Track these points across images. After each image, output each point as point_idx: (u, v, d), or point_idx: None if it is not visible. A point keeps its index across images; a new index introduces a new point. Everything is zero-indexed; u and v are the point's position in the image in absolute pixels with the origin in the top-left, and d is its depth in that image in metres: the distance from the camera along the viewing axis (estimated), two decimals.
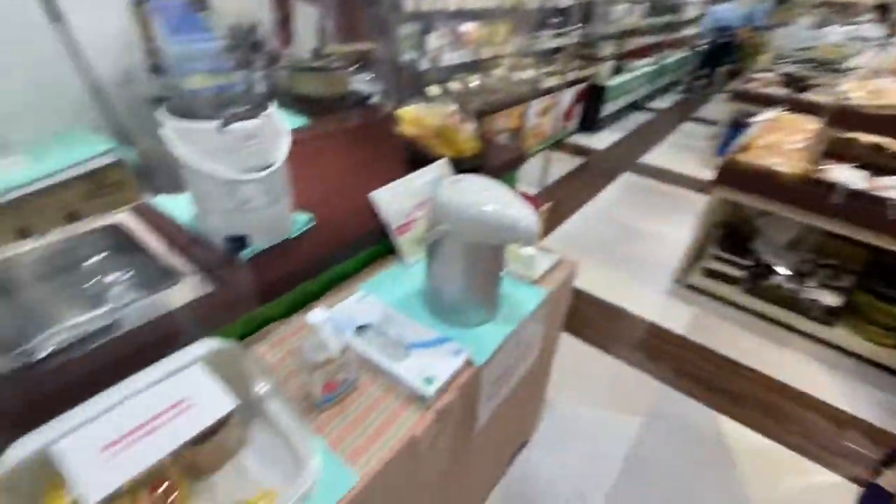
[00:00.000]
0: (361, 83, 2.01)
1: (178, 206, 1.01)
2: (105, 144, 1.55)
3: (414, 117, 1.33)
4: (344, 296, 0.97)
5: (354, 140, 1.54)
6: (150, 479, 0.52)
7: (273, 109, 0.87)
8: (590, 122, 4.49)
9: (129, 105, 1.81)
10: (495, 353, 0.88)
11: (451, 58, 2.69)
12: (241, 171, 0.82)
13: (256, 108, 0.82)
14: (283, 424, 0.64)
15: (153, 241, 0.93)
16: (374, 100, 1.94)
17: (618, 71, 4.41)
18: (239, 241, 0.90)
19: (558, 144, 4.20)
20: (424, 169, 1.13)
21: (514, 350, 0.99)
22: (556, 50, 3.77)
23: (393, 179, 1.08)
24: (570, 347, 1.97)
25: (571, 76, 3.88)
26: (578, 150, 4.16)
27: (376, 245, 1.09)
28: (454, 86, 2.69)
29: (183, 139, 0.78)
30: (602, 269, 2.50)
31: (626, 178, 3.66)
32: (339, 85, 1.77)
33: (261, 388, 0.65)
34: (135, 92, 1.83)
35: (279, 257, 0.93)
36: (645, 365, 1.91)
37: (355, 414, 0.74)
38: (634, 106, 5.24)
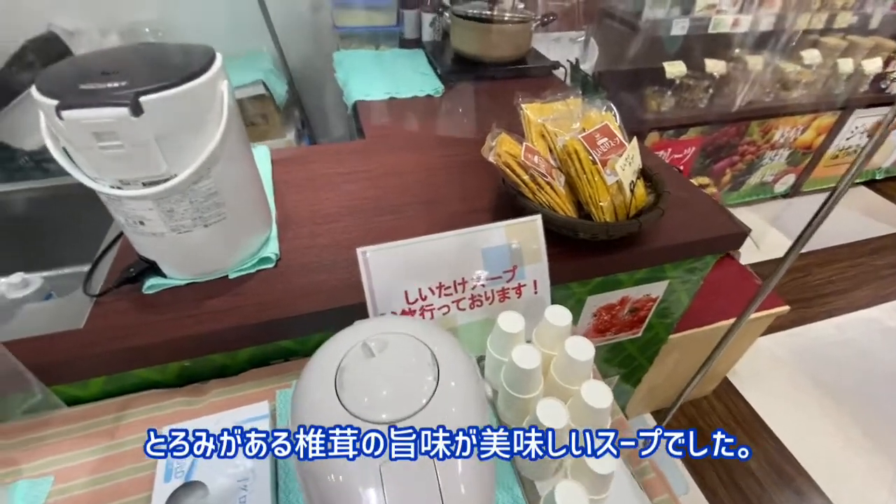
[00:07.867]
0: (553, 43, 1.45)
1: None
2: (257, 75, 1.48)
3: (538, 121, 0.79)
4: (253, 397, 0.62)
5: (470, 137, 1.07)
6: None
7: (201, 85, 0.52)
8: None
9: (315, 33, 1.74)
10: None
11: (734, 22, 1.78)
12: (116, 179, 0.52)
13: (148, 86, 0.48)
14: None
15: None
16: (560, 70, 1.37)
17: None
18: (148, 266, 0.64)
19: (880, 183, 2.66)
20: (473, 229, 0.63)
21: None
22: None
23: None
24: None
25: None
26: None
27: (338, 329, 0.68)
28: (716, 66, 1.79)
29: (48, 118, 0.51)
30: (840, 425, 1.46)
31: None
32: (507, 44, 1.27)
33: None
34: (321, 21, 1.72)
35: (191, 302, 0.63)
36: None
37: None
38: None
